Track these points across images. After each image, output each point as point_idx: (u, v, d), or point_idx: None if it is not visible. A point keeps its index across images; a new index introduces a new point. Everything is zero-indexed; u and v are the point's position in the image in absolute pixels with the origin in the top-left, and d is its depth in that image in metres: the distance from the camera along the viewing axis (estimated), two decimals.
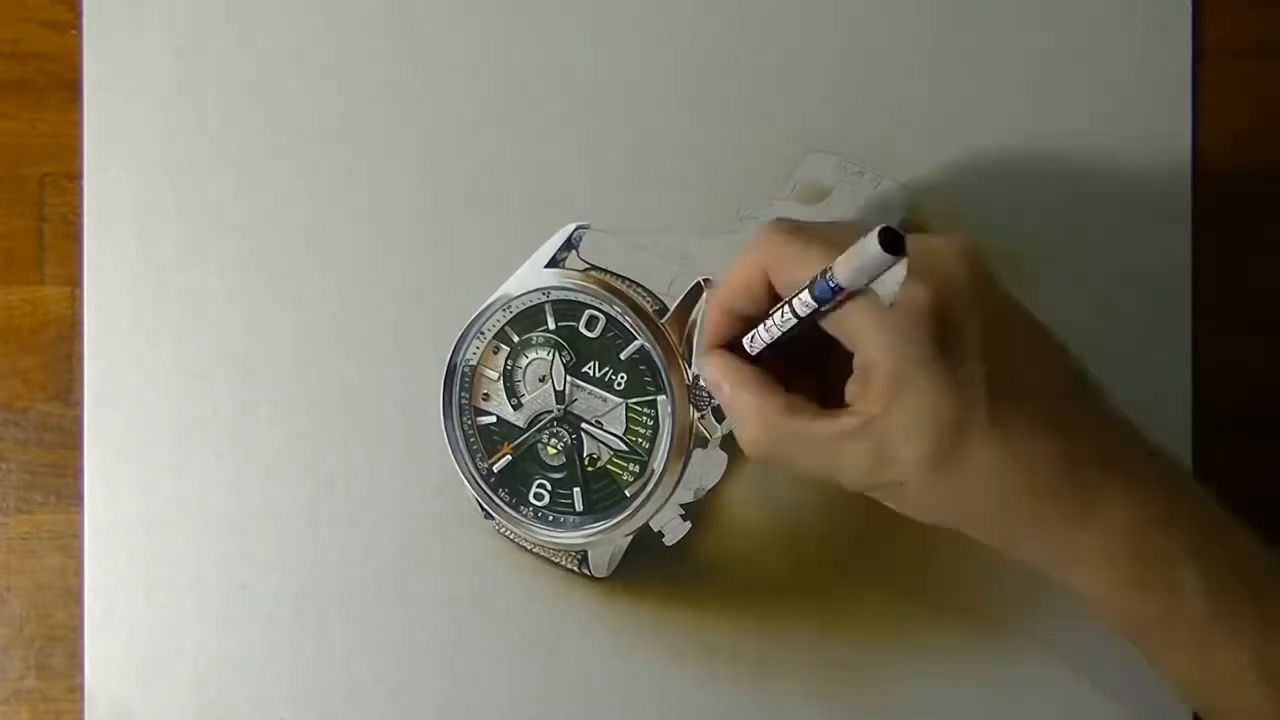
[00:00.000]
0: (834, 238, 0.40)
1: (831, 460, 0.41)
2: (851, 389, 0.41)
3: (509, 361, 0.48)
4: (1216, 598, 0.40)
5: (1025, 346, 0.41)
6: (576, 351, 0.47)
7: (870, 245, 0.36)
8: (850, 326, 0.40)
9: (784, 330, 0.41)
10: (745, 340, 0.43)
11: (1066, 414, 0.40)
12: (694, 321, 0.46)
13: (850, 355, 0.41)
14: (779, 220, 0.42)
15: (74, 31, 0.52)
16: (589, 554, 0.49)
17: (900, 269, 0.37)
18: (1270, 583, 0.41)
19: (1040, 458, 0.40)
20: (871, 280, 0.37)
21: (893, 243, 0.36)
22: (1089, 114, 0.53)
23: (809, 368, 0.43)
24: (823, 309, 0.39)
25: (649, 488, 0.47)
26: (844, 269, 0.38)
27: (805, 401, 0.41)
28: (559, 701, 0.51)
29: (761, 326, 0.41)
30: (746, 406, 0.41)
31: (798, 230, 0.41)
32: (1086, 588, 0.41)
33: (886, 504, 0.42)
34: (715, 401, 0.46)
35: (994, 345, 0.40)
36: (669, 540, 0.48)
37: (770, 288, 0.41)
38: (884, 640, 0.52)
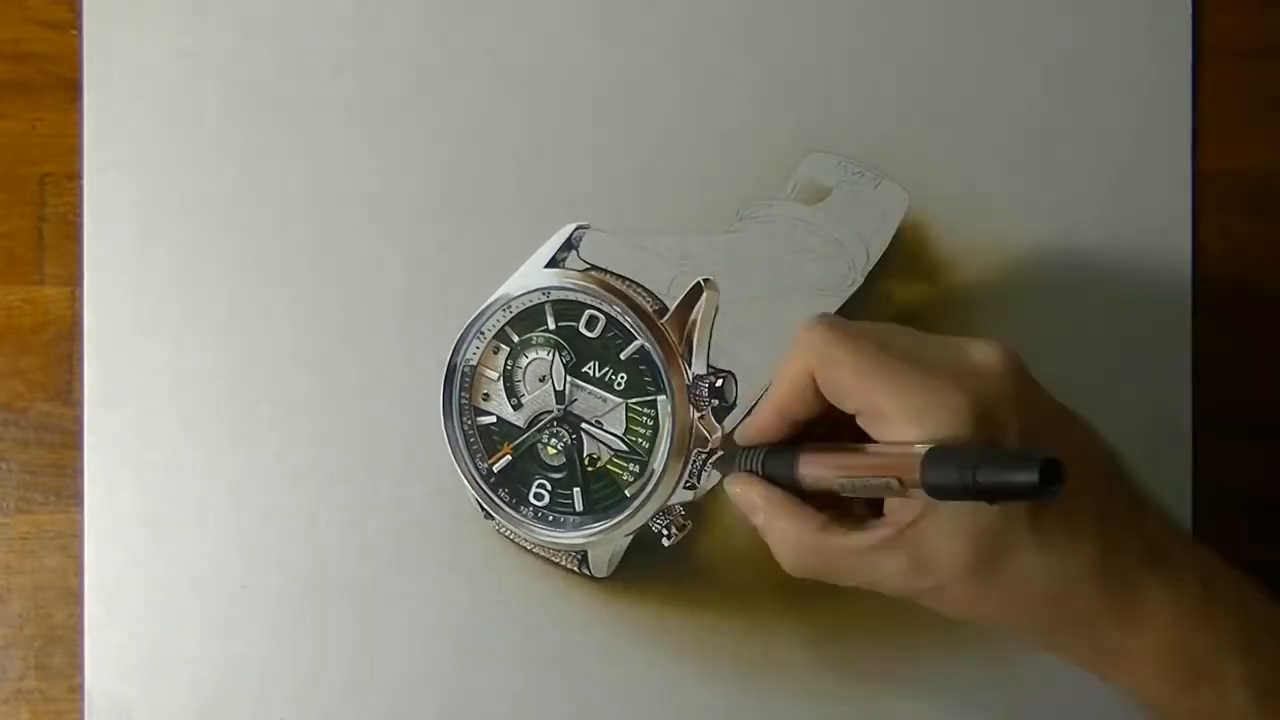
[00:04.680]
0: (885, 345, 0.40)
1: (870, 571, 0.40)
2: (888, 504, 0.40)
3: (509, 361, 0.48)
4: (1263, 693, 0.40)
5: (1065, 449, 0.39)
6: (576, 351, 0.47)
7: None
8: (891, 436, 0.39)
9: (859, 492, 0.40)
10: (802, 469, 0.42)
11: (1106, 515, 0.40)
12: (694, 321, 0.46)
13: None
14: (821, 317, 0.41)
15: (74, 31, 0.52)
16: (589, 554, 0.49)
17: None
18: None
19: (1080, 563, 0.39)
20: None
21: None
22: (1089, 114, 0.53)
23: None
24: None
25: (649, 488, 0.47)
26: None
27: (839, 519, 0.41)
28: (559, 701, 0.51)
29: (834, 476, 0.41)
30: (784, 533, 0.42)
31: (842, 330, 0.41)
32: (1131, 686, 0.41)
33: (925, 605, 0.41)
34: (715, 402, 0.46)
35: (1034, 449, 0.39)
36: (669, 541, 0.48)
37: (819, 391, 0.41)
38: (884, 640, 0.52)
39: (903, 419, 0.39)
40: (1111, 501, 0.40)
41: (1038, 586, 0.39)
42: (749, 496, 0.43)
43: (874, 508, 0.41)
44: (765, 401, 0.43)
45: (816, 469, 0.42)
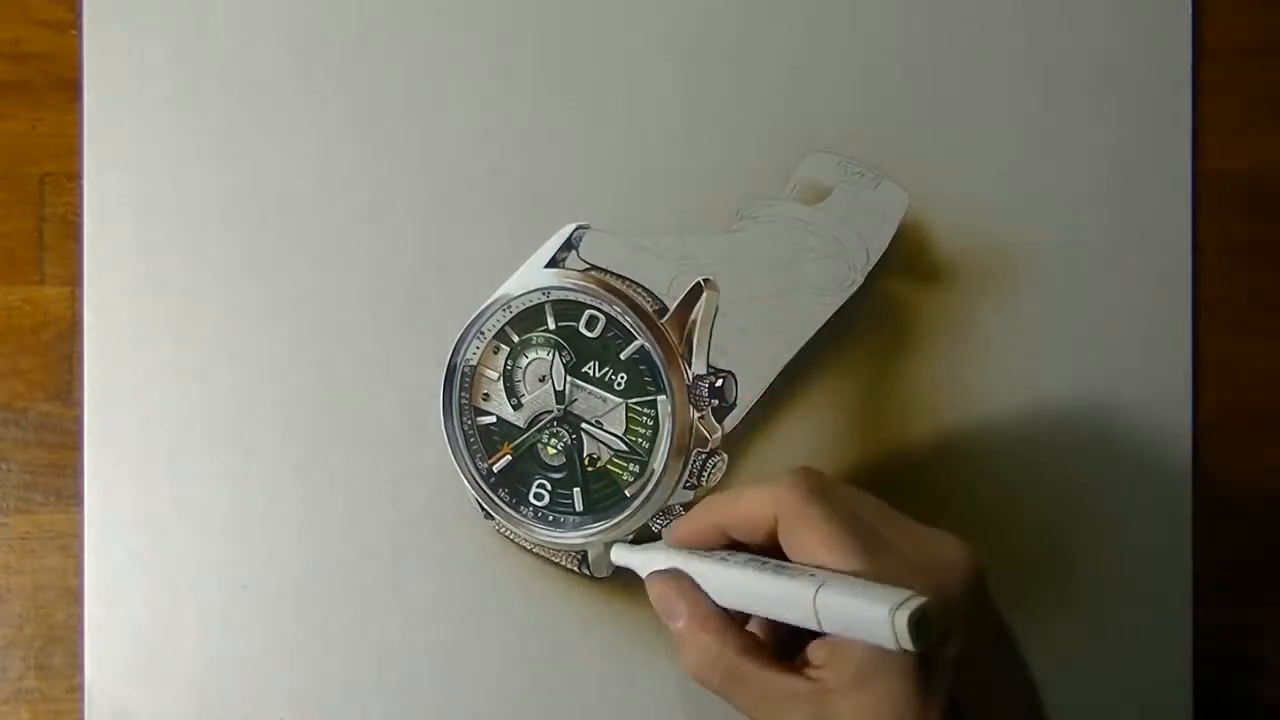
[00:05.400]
0: (859, 521, 0.40)
1: (772, 714, 0.40)
2: (816, 652, 0.40)
3: (509, 361, 0.48)
4: None
5: (999, 675, 0.40)
6: (576, 351, 0.47)
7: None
8: (835, 618, 0.39)
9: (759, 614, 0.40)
10: (713, 591, 0.42)
11: None
12: (694, 321, 0.46)
13: None
14: (808, 471, 0.41)
15: (74, 31, 0.52)
16: (589, 554, 0.49)
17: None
18: None
19: None
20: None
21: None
22: (1089, 114, 0.53)
23: None
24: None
25: (649, 488, 0.47)
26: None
27: (760, 646, 0.41)
28: (559, 701, 0.51)
29: (740, 597, 0.41)
30: (702, 645, 0.41)
31: (823, 493, 0.40)
32: None
33: None
34: (715, 402, 0.46)
35: (971, 667, 0.39)
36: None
37: (772, 531, 0.41)
38: None
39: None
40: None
41: None
42: (669, 600, 0.42)
43: (789, 652, 0.41)
44: (709, 513, 0.43)
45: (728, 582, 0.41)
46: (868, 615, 0.36)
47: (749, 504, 0.42)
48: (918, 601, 0.36)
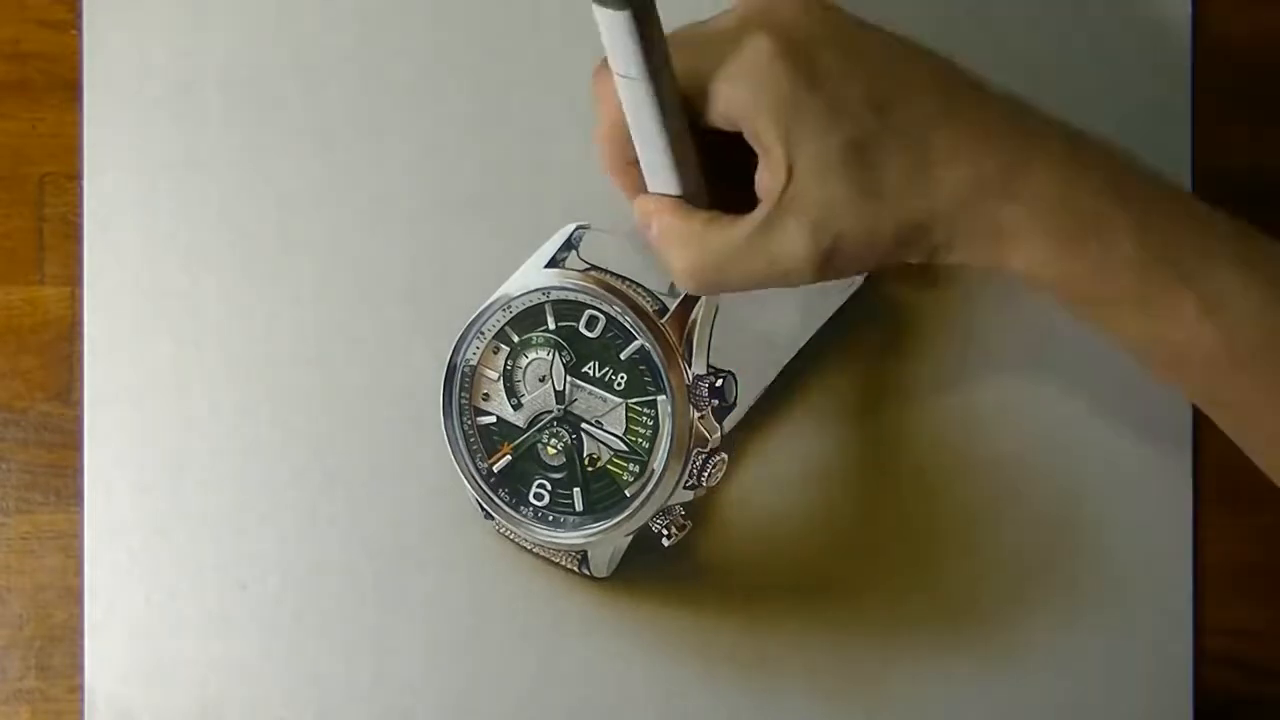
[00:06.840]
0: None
1: (770, 251, 0.40)
2: (760, 178, 0.40)
3: (509, 361, 0.48)
4: (1147, 238, 0.39)
5: (891, 53, 0.40)
6: (576, 351, 0.47)
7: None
8: (721, 109, 0.39)
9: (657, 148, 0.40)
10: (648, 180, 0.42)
11: (962, 103, 0.40)
12: (694, 321, 0.46)
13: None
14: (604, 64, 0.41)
15: (74, 31, 0.52)
16: (589, 554, 0.49)
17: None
18: (1205, 221, 0.40)
19: (951, 148, 0.39)
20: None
21: None
22: (1089, 113, 0.53)
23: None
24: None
25: (649, 488, 0.47)
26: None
27: (724, 213, 0.41)
28: (559, 702, 0.51)
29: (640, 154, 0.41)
30: (673, 231, 0.41)
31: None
32: (1022, 265, 0.39)
33: (838, 271, 0.40)
34: (715, 402, 0.46)
35: (860, 61, 0.39)
36: (669, 541, 0.48)
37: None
38: (883, 640, 0.52)
39: (722, 81, 0.39)
40: (968, 93, 0.40)
41: (919, 183, 0.38)
42: (641, 212, 0.42)
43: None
44: (604, 152, 0.43)
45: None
46: None
47: (604, 126, 0.42)
48: None
